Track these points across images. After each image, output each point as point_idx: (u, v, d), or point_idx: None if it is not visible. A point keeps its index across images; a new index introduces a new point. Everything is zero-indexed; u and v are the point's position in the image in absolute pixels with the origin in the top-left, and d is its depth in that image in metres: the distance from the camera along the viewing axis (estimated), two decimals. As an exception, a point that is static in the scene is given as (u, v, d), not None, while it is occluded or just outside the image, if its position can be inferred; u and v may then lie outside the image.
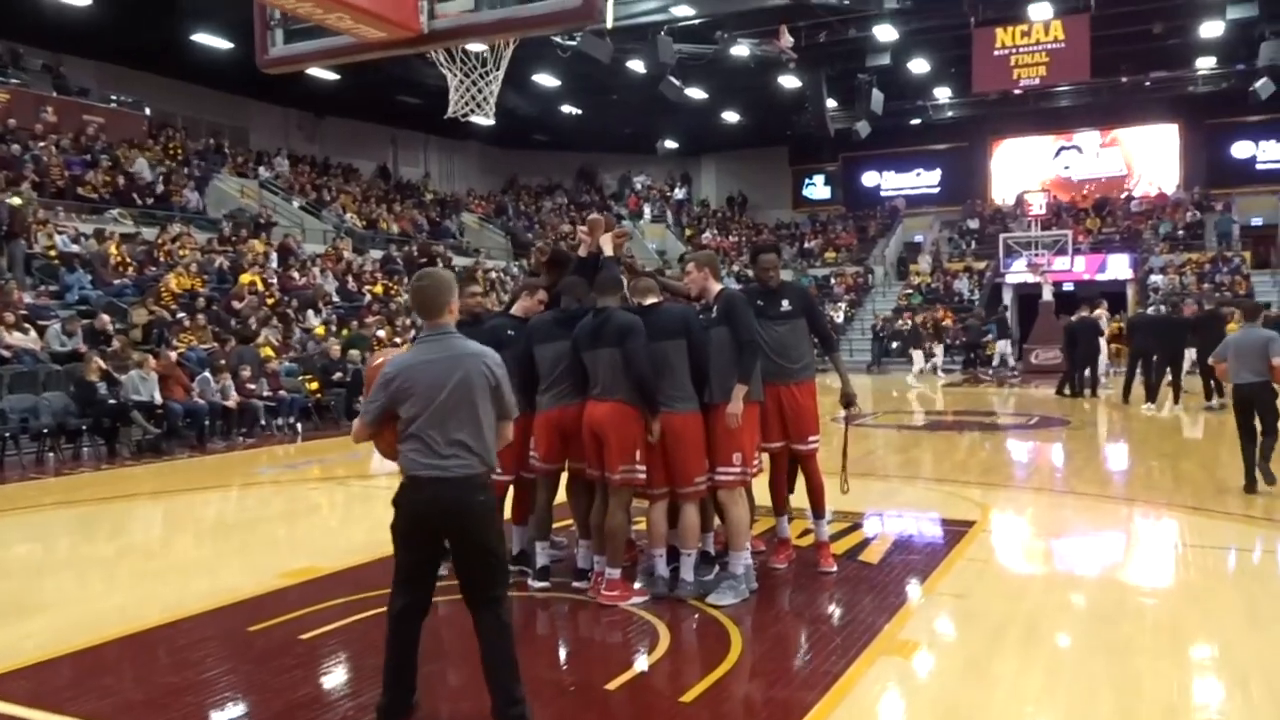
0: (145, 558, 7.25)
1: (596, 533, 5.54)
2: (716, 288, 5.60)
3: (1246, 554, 6.56)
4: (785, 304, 5.86)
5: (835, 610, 5.35)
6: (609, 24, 19.87)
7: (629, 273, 6.03)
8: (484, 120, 5.39)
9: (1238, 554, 6.54)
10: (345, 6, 3.91)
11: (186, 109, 25.62)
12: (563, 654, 4.93)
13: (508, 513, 6.01)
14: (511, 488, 5.95)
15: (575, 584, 5.69)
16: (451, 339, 3.87)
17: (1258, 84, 23.62)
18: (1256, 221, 29.91)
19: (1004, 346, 24.26)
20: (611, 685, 4.23)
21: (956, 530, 7.24)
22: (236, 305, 16.64)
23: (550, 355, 5.58)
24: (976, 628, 4.92)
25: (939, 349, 24.42)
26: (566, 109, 29.57)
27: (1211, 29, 22.93)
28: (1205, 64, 26.63)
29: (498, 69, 4.94)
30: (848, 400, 6.16)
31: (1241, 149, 31.29)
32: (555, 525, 5.97)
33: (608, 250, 5.83)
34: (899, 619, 5.12)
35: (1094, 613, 5.17)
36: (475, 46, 5.30)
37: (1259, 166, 30.98)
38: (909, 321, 26.28)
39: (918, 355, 23.73)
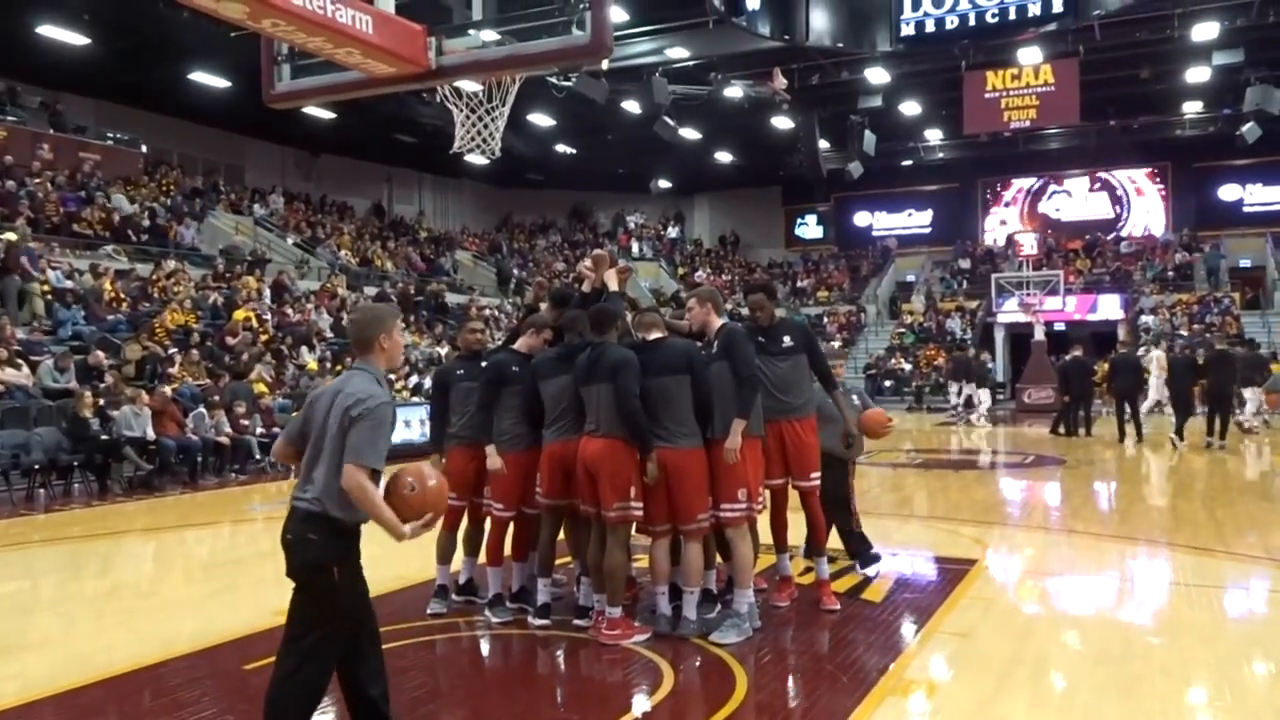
0: (136, 595, 7.14)
1: (595, 571, 5.48)
2: (718, 322, 5.59)
3: (1250, 593, 6.52)
4: (786, 340, 5.86)
5: (840, 649, 5.28)
6: (605, 65, 20.11)
7: (632, 309, 6.03)
8: (486, 158, 5.41)
9: (1242, 593, 6.50)
10: (356, 42, 3.93)
11: (182, 146, 25.74)
12: (564, 693, 4.85)
13: (508, 548, 5.97)
14: (512, 524, 5.90)
15: (576, 621, 5.62)
16: (350, 375, 3.66)
17: (1244, 128, 23.94)
18: (1245, 263, 30.18)
19: (969, 389, 23.62)
20: (616, 726, 4.16)
21: (957, 569, 7.19)
22: (230, 341, 16.58)
23: (554, 390, 5.56)
24: (983, 667, 4.86)
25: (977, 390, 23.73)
26: (561, 148, 29.80)
27: (1198, 74, 23.29)
28: (1192, 108, 27.02)
29: (503, 105, 4.96)
30: (848, 439, 6.14)
31: (1229, 192, 31.67)
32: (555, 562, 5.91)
33: (612, 285, 5.83)
34: (904, 659, 5.06)
35: (1101, 652, 5.11)
36: (472, 86, 5.36)
37: (1246, 209, 31.34)
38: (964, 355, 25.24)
39: (983, 393, 22.96)
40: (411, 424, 15.65)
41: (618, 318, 5.56)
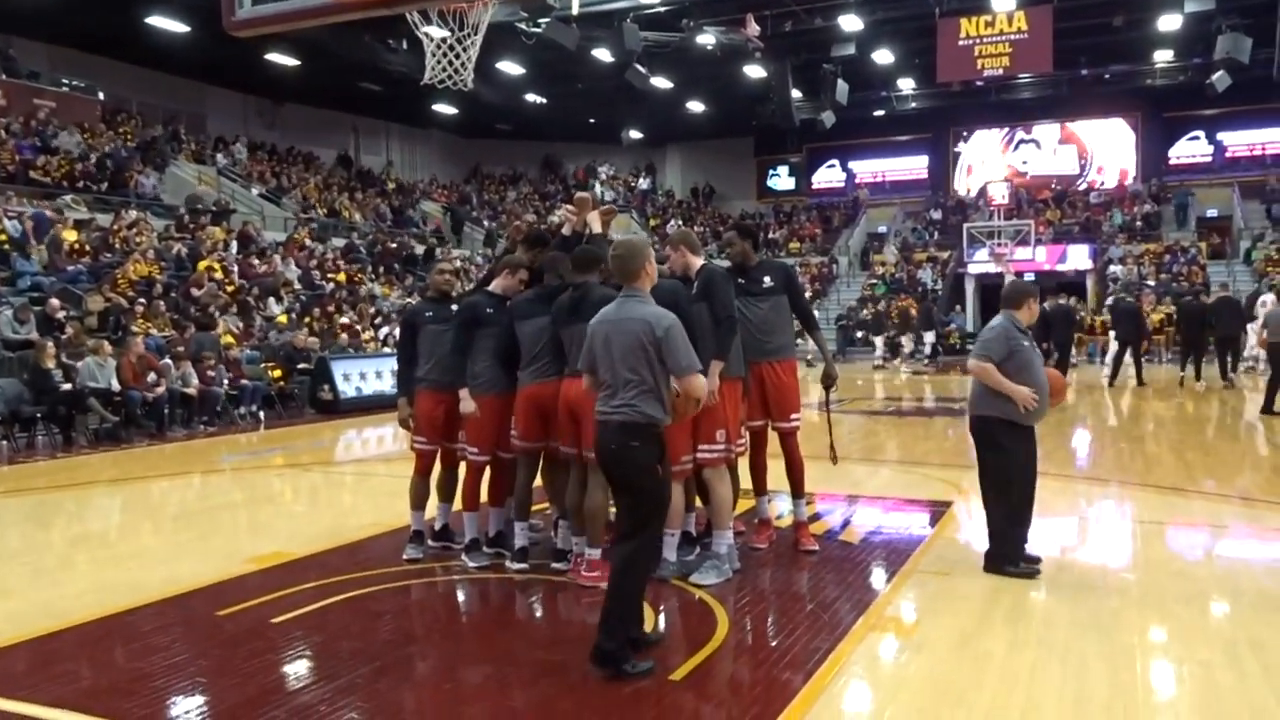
0: (103, 545, 7.00)
1: (575, 513, 5.43)
2: (698, 263, 5.48)
3: (1222, 530, 6.60)
4: (767, 280, 5.77)
5: (819, 590, 5.27)
6: (575, 10, 19.70)
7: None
8: (459, 89, 5.23)
9: (1213, 530, 6.58)
10: (320, -39, 3.75)
11: (142, 94, 25.04)
12: (544, 636, 4.81)
13: (484, 494, 5.90)
14: (488, 468, 5.82)
15: (554, 565, 5.57)
16: (625, 302, 4.28)
17: (1214, 76, 23.97)
18: (1212, 213, 30.39)
19: (930, 336, 24.14)
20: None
21: (934, 511, 7.23)
22: (195, 292, 16.27)
23: (531, 331, 5.46)
24: (962, 605, 4.87)
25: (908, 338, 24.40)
26: (531, 98, 29.30)
27: (1170, 22, 23.20)
28: (1163, 57, 26.98)
29: (475, 34, 4.78)
30: (829, 379, 6.09)
31: (1198, 142, 31.77)
32: (533, 508, 5.85)
33: (596, 228, 5.72)
34: (885, 597, 5.07)
35: (1079, 589, 5.14)
36: (440, 32, 5.13)
37: (1214, 159, 31.50)
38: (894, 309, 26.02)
39: (905, 341, 23.83)
40: (383, 375, 15.50)
41: (601, 259, 5.43)
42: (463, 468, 5.92)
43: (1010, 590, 5.11)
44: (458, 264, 13.15)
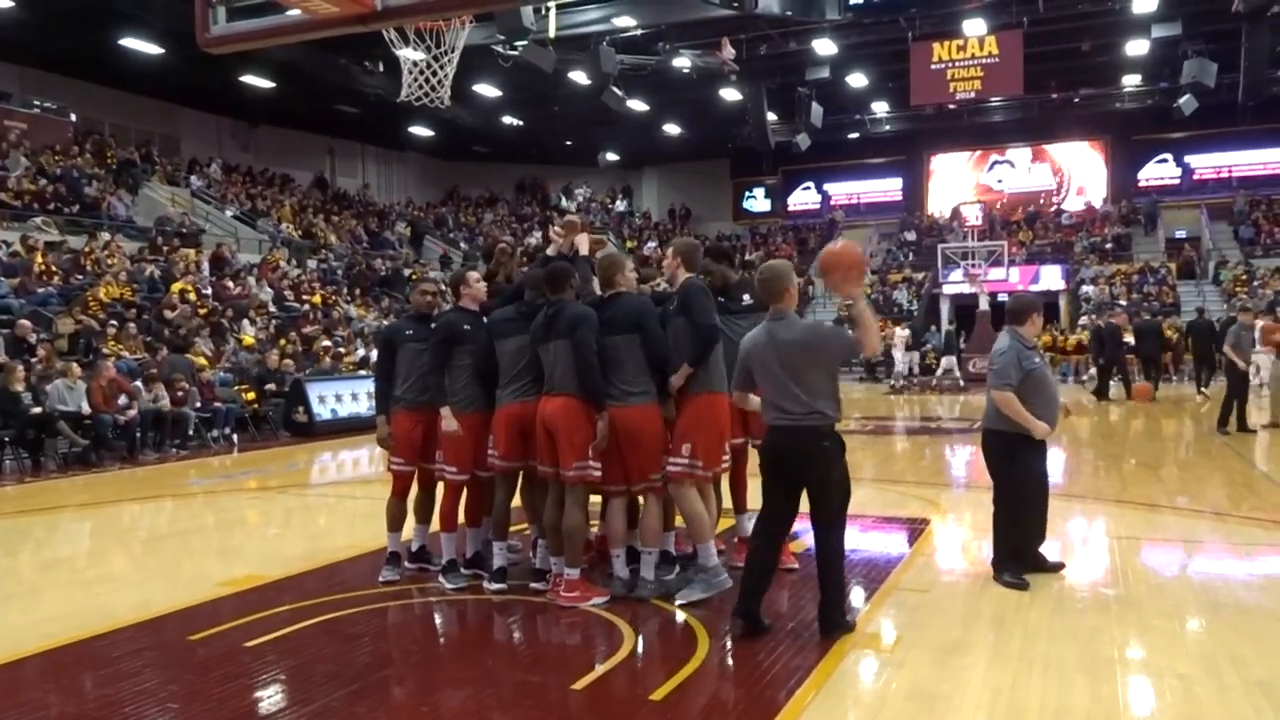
0: (72, 571, 6.86)
1: (554, 533, 5.37)
2: (684, 277, 5.45)
3: (1197, 545, 6.63)
4: (747, 298, 5.78)
5: (800, 607, 5.23)
6: (552, 33, 19.81)
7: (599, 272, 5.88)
8: (436, 106, 5.21)
9: (1187, 546, 6.61)
10: (296, -23, 3.73)
11: (115, 116, 24.88)
12: (525, 656, 4.75)
13: (461, 515, 5.84)
14: (466, 488, 5.76)
15: (533, 585, 5.52)
16: (778, 324, 4.70)
17: (1181, 100, 24.38)
18: (1180, 234, 30.82)
19: (949, 362, 24.32)
20: (578, 685, 4.07)
21: (913, 528, 7.23)
22: (168, 314, 16.11)
23: (511, 349, 5.44)
24: (943, 622, 4.86)
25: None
26: (508, 120, 29.37)
27: (1137, 47, 23.64)
28: (1131, 81, 27.47)
29: (453, 51, 4.77)
30: None
31: (1165, 164, 32.28)
32: (511, 528, 5.79)
33: (583, 250, 5.72)
34: (865, 615, 5.04)
35: (1059, 604, 5.14)
36: (416, 54, 5.12)
37: (1181, 181, 31.99)
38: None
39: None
40: (359, 397, 15.38)
41: (571, 276, 5.42)
42: (440, 488, 5.86)
43: (990, 605, 5.11)
44: (441, 285, 13.18)
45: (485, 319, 5.67)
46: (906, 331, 24.94)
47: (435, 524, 5.88)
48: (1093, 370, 20.54)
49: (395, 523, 5.92)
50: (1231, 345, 12.49)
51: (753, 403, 4.88)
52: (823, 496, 4.60)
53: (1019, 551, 5.56)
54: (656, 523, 5.38)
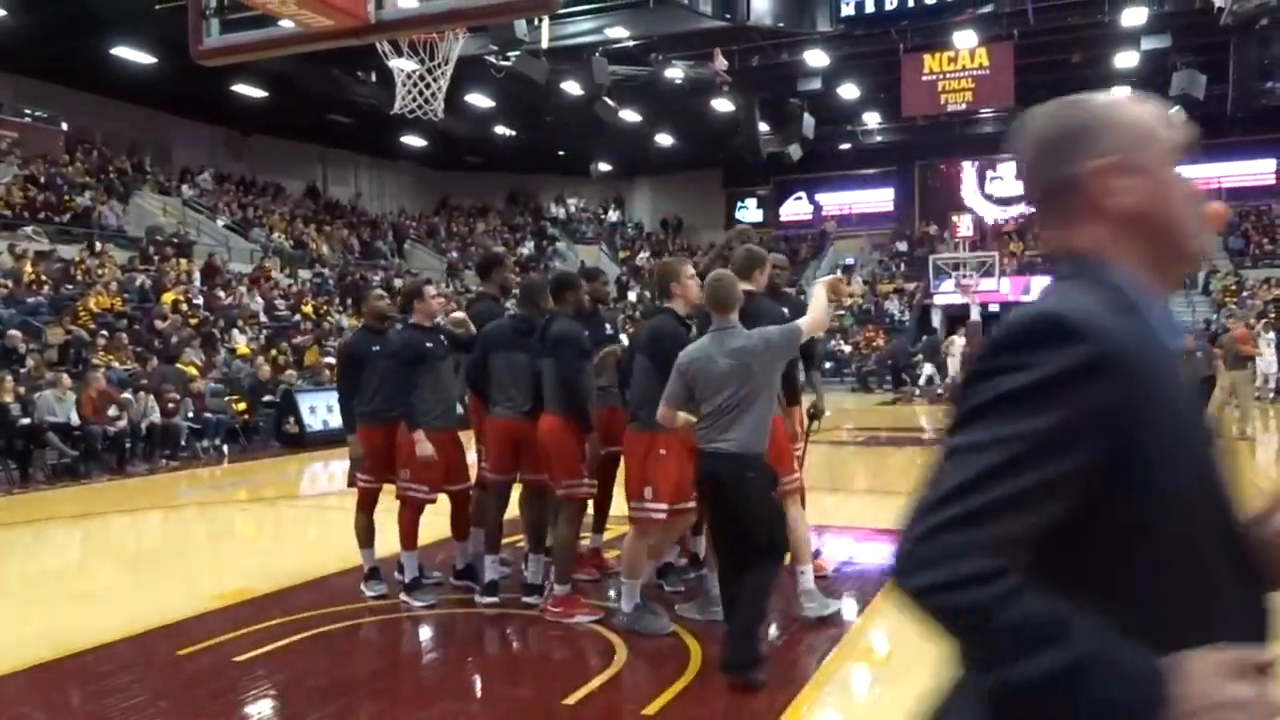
0: (60, 584, 6.82)
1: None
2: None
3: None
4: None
5: (791, 622, 5.22)
6: (545, 44, 19.84)
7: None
8: (429, 118, 5.21)
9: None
10: (290, -11, 3.73)
11: (107, 124, 24.80)
12: (516, 671, 4.72)
13: (445, 529, 5.80)
14: (451, 502, 5.73)
15: (525, 599, 5.49)
16: (718, 336, 4.33)
17: (1171, 111, 24.43)
18: (1171, 245, 30.94)
19: (929, 369, 24.49)
20: (570, 700, 4.05)
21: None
22: (159, 325, 16.06)
23: (503, 363, 5.40)
24: (934, 634, 4.84)
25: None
26: (500, 130, 29.37)
27: (1127, 59, 23.75)
28: (1121, 93, 27.59)
29: (446, 64, 4.77)
30: (817, 412, 5.94)
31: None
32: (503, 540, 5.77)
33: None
34: (860, 626, 5.04)
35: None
36: (409, 65, 5.11)
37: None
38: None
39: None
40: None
41: (571, 287, 5.34)
42: (393, 504, 5.66)
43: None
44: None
45: (440, 333, 5.62)
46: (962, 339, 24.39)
47: (395, 542, 5.74)
48: None
49: (368, 538, 5.81)
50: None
51: (681, 420, 4.45)
52: (747, 531, 4.20)
53: None
54: (632, 551, 4.99)
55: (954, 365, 23.03)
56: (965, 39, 22.59)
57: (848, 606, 5.49)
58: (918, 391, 23.71)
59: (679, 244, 36.96)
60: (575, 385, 5.04)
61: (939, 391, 22.87)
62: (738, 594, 4.23)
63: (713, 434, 4.23)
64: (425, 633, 5.40)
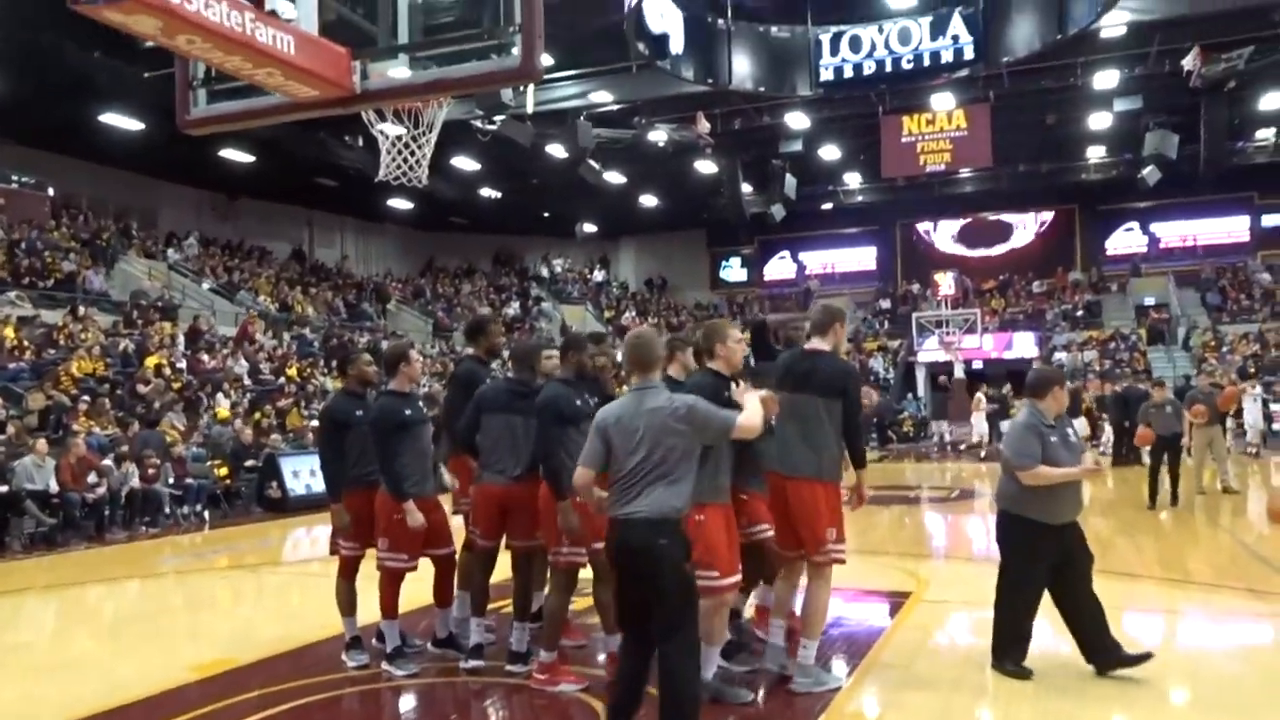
0: (35, 655, 6.67)
1: (603, 610, 5.20)
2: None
3: (1177, 616, 6.61)
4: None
5: (782, 682, 5.15)
6: (530, 108, 20.16)
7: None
8: (414, 185, 5.27)
9: (1167, 617, 6.58)
10: (276, 62, 3.78)
11: (93, 189, 24.92)
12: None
13: (428, 597, 5.71)
14: (435, 567, 5.65)
15: (509, 667, 5.39)
16: (641, 395, 4.02)
17: (1145, 171, 25.00)
18: (1149, 301, 31.36)
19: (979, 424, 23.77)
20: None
21: (893, 601, 7.16)
22: (142, 389, 15.97)
23: (497, 426, 5.34)
24: (925, 696, 4.79)
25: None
26: (486, 192, 29.67)
27: (1100, 120, 24.31)
28: (1096, 153, 28.22)
29: (430, 132, 4.84)
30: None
31: (1134, 233, 32.98)
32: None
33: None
34: (847, 691, 4.97)
35: (1040, 677, 5.09)
36: (396, 129, 5.17)
37: (1150, 249, 32.66)
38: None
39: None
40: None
41: (574, 349, 5.32)
42: (372, 574, 5.56)
43: (972, 680, 5.05)
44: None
45: (419, 400, 5.60)
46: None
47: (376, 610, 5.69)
48: (1107, 434, 19.34)
49: (349, 606, 5.72)
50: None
51: (596, 495, 4.17)
52: (665, 610, 3.86)
53: (1021, 640, 5.15)
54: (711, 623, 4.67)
55: (980, 423, 22.66)
56: (943, 101, 23.08)
57: (836, 667, 5.42)
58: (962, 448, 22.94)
59: (664, 303, 37.23)
60: (546, 453, 4.98)
61: (982, 455, 21.92)
62: (661, 695, 3.87)
63: (625, 500, 3.92)
64: (408, 703, 5.30)
